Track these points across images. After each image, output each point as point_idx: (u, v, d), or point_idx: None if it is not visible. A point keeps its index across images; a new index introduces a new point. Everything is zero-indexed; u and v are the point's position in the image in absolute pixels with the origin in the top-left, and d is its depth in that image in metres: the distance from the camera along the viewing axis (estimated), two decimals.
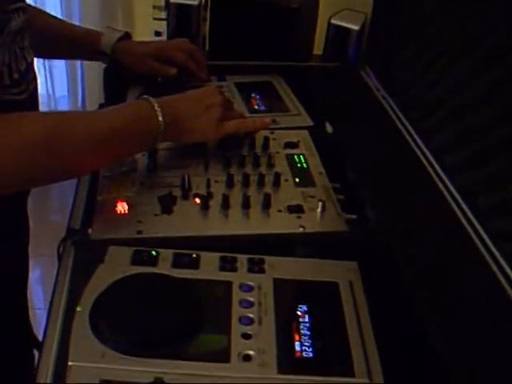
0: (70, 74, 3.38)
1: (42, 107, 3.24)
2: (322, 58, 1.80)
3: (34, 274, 2.86)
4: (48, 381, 0.79)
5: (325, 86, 1.56)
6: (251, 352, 0.81)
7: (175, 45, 1.54)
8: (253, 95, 1.49)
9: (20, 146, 0.90)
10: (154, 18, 1.93)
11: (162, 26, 1.88)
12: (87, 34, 1.51)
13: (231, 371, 0.78)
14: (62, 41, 1.47)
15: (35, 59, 1.19)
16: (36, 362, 0.85)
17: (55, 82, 3.43)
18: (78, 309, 0.84)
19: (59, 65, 3.36)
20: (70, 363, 0.78)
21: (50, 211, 3.53)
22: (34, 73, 1.21)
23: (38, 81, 1.22)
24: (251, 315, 0.86)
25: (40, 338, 0.88)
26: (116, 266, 0.92)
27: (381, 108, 1.42)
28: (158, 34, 1.94)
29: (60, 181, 0.99)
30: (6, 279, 1.24)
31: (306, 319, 0.86)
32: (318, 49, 1.83)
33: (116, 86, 1.53)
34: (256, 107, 1.44)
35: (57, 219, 3.42)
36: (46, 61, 3.33)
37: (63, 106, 3.47)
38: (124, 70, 1.51)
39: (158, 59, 1.50)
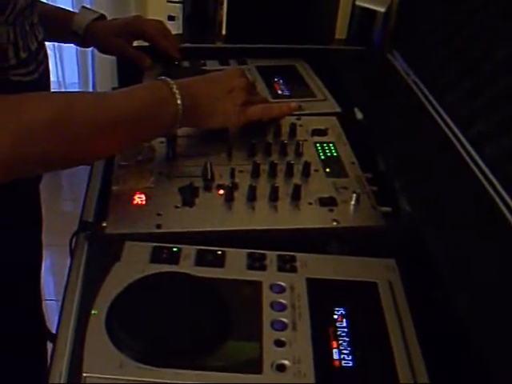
0: (80, 60, 3.32)
1: None
2: (345, 42, 1.72)
3: (45, 264, 2.81)
4: None
5: (351, 71, 1.48)
6: (285, 361, 0.73)
7: (146, 20, 1.48)
8: (276, 80, 1.41)
9: (22, 129, 0.82)
10: (168, 1, 1.84)
11: (177, 10, 1.80)
12: (61, 14, 1.43)
13: (264, 383, 0.70)
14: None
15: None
16: (49, 356, 0.78)
17: (65, 69, 3.37)
18: (93, 312, 0.77)
19: (70, 51, 3.30)
20: (84, 374, 0.70)
21: (62, 200, 3.48)
22: (46, 52, 1.15)
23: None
24: (284, 319, 0.78)
25: (51, 329, 0.81)
26: (134, 264, 0.84)
27: (411, 93, 1.35)
28: (171, 18, 1.85)
29: (69, 167, 0.93)
30: (20, 269, 1.21)
31: (344, 323, 0.78)
32: (340, 33, 1.75)
33: (130, 71, 1.44)
34: (279, 92, 1.36)
35: (68, 209, 3.38)
36: (57, 47, 3.28)
37: None
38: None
39: (128, 35, 1.43)
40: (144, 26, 1.44)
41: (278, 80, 1.41)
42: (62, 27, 1.40)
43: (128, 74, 1.45)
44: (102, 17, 1.44)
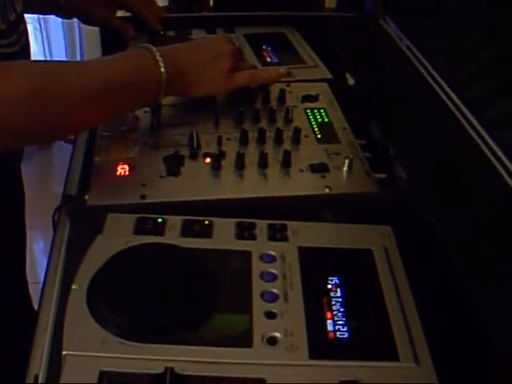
0: (68, 38, 3.25)
1: None
2: (335, 11, 1.67)
3: (38, 246, 2.79)
4: (41, 372, 0.67)
5: (343, 37, 1.43)
6: (277, 334, 0.69)
7: None
8: (264, 47, 1.36)
9: None
10: None
11: None
12: None
13: (254, 357, 0.66)
14: None
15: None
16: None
17: (52, 44, 3.30)
18: (73, 287, 0.73)
19: (56, 28, 3.24)
20: (64, 352, 0.66)
21: (54, 181, 3.43)
22: (25, 25, 1.11)
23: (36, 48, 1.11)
24: (275, 290, 0.74)
25: None
26: (116, 237, 0.80)
27: (405, 58, 1.30)
28: None
29: (49, 140, 0.89)
30: (2, 248, 1.17)
31: (338, 293, 0.74)
32: (330, 2, 1.69)
33: (115, 42, 1.40)
34: (268, 60, 1.31)
35: (60, 190, 3.33)
36: (43, 26, 3.22)
37: None
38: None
39: (111, 5, 1.39)
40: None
41: (267, 48, 1.36)
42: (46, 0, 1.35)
43: (112, 45, 1.40)
44: None
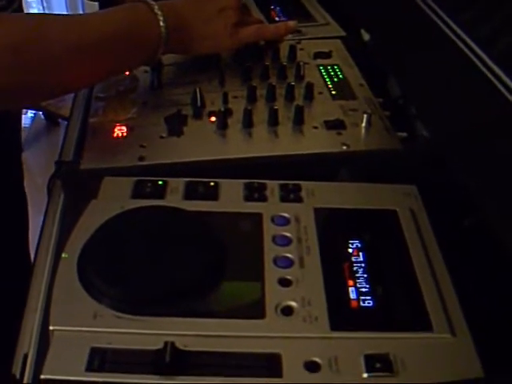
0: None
1: None
2: None
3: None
4: (30, 351, 0.60)
5: None
6: (293, 303, 0.61)
7: None
8: (272, 7, 1.28)
9: None
10: None
11: None
12: None
13: (267, 329, 0.58)
14: None
15: None
16: None
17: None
18: (64, 255, 0.65)
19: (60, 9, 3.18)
20: (51, 327, 0.58)
21: None
22: None
23: None
24: (289, 255, 0.66)
25: None
26: (112, 201, 0.72)
27: (421, 12, 1.21)
28: None
29: (38, 99, 0.81)
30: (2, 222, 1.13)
31: (361, 258, 0.66)
32: None
33: None
34: (277, 19, 1.23)
35: None
36: (46, 6, 3.16)
37: None
38: None
39: None
40: None
41: (275, 7, 1.28)
42: None
43: None
44: None
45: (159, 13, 0.88)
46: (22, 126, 1.54)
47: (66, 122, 2.91)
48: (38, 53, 0.76)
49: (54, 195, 0.80)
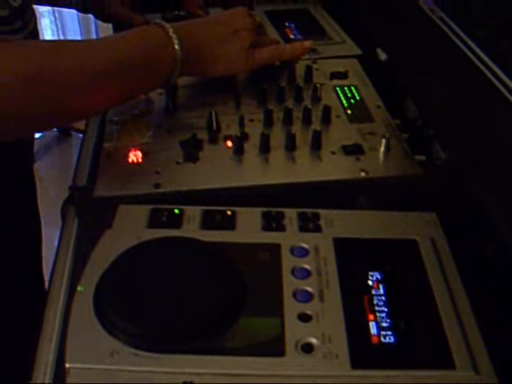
0: (83, 30, 3.18)
1: None
2: None
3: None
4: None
5: (371, 11, 1.34)
6: (313, 340, 0.59)
7: None
8: (287, 24, 1.27)
9: None
10: None
11: None
12: None
13: (287, 368, 0.57)
14: None
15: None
16: None
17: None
18: (79, 289, 0.64)
19: (72, 21, 3.17)
20: (67, 365, 0.57)
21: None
22: (33, 12, 1.05)
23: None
24: (309, 288, 0.64)
25: None
26: (128, 231, 0.71)
27: (439, 30, 1.20)
28: None
29: (53, 125, 0.80)
30: (17, 238, 1.12)
31: (381, 291, 0.65)
32: None
33: None
34: (292, 37, 1.22)
35: None
36: (58, 17, 3.16)
37: None
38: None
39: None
40: None
41: (290, 25, 1.28)
42: None
43: None
44: None
45: (174, 36, 0.87)
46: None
47: (77, 134, 2.91)
48: (52, 82, 0.75)
49: (68, 221, 0.80)
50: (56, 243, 1.02)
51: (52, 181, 2.94)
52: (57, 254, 0.75)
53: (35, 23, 1.05)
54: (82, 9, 1.28)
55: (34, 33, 1.05)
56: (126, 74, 0.83)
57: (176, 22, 1.20)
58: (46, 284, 1.29)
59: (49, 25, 3.29)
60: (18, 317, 1.16)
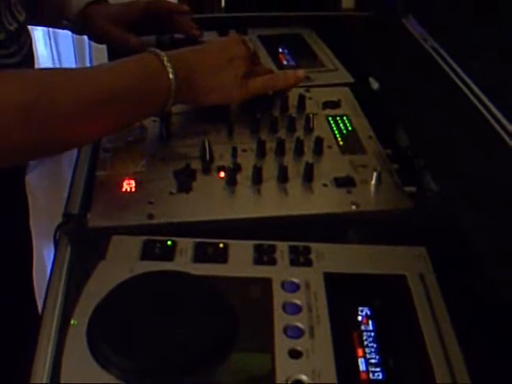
0: (76, 45, 3.18)
1: None
2: (353, 11, 1.58)
3: (49, 254, 2.72)
4: None
5: (363, 38, 1.35)
6: (303, 376, 0.60)
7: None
8: (280, 50, 1.29)
9: None
10: None
11: None
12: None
13: None
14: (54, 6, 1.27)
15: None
16: None
17: (62, 53, 3.23)
18: (72, 322, 0.64)
19: (65, 36, 3.17)
20: None
21: (63, 188, 3.38)
22: (29, 34, 1.05)
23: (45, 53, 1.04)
24: (300, 324, 0.65)
25: None
26: (121, 263, 0.71)
27: (431, 60, 1.21)
28: None
29: (48, 154, 0.80)
30: (8, 254, 1.11)
31: (370, 326, 0.66)
32: (347, 2, 1.61)
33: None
34: (285, 63, 1.24)
35: None
36: (53, 39, 3.16)
37: None
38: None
39: (130, 21, 1.27)
40: (156, 3, 1.30)
41: (283, 50, 1.29)
42: (56, 14, 1.27)
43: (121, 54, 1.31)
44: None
45: (169, 65, 0.87)
46: None
47: None
48: (49, 112, 0.75)
49: (61, 249, 0.80)
50: (45, 254, 1.03)
51: (43, 191, 2.94)
52: (49, 281, 0.75)
53: (30, 45, 1.05)
54: (76, 29, 1.28)
55: (29, 55, 1.05)
56: (122, 103, 0.83)
57: (171, 45, 1.22)
58: (39, 302, 1.30)
59: (42, 36, 3.29)
60: (7, 332, 1.16)
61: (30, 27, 1.07)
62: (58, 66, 3.26)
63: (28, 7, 1.03)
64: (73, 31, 1.30)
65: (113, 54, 1.30)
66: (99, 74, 0.85)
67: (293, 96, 1.04)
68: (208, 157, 0.88)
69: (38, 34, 3.26)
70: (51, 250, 0.80)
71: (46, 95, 0.75)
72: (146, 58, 0.88)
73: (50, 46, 3.23)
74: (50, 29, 3.11)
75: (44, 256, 2.72)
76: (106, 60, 1.31)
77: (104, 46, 1.33)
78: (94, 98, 0.80)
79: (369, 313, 0.67)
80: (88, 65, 3.21)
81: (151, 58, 0.88)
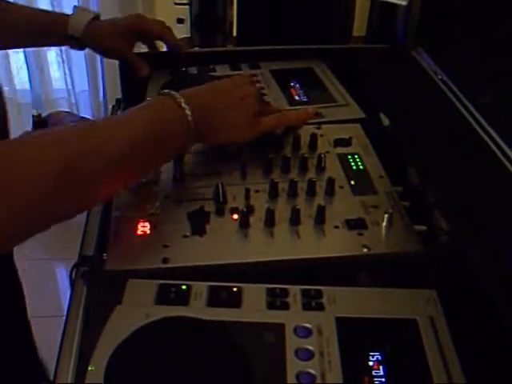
0: (89, 67, 3.20)
1: (62, 102, 3.09)
2: (364, 40, 1.60)
3: (62, 278, 2.72)
4: None
5: (374, 72, 1.36)
6: None
7: (150, 18, 1.38)
8: (292, 84, 1.30)
9: (20, 194, 0.69)
10: (176, 3, 1.73)
11: (186, 13, 1.70)
12: (53, 18, 1.34)
13: None
14: (24, 29, 1.32)
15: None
16: None
17: (75, 77, 3.25)
18: (90, 368, 0.66)
19: (78, 58, 3.19)
20: None
21: None
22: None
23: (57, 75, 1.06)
24: (312, 371, 0.66)
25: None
26: (137, 309, 0.73)
27: (441, 94, 1.22)
28: (180, 21, 1.75)
29: (74, 215, 0.78)
30: None
31: (381, 372, 0.67)
32: (358, 30, 1.63)
33: (135, 76, 1.33)
34: (296, 98, 1.25)
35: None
36: (64, 55, 3.18)
37: (84, 100, 3.32)
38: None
39: (131, 36, 1.34)
40: (149, 23, 1.35)
41: (295, 84, 1.30)
42: (58, 32, 1.31)
43: (132, 79, 1.34)
44: (98, 16, 1.35)
45: (186, 107, 0.87)
46: None
47: None
48: (78, 181, 0.74)
49: (77, 290, 0.81)
50: (57, 276, 1.03)
51: None
52: (65, 325, 0.77)
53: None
54: (78, 44, 1.33)
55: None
56: (141, 154, 0.82)
57: (184, 79, 1.24)
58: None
59: (55, 59, 3.31)
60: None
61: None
62: (70, 88, 3.28)
63: None
64: (73, 47, 1.35)
65: (125, 74, 1.36)
66: (115, 126, 0.83)
67: (304, 134, 1.05)
68: (221, 198, 0.90)
69: (52, 56, 3.29)
70: (64, 274, 0.80)
71: (77, 168, 0.74)
72: (163, 103, 0.88)
73: (63, 69, 3.25)
74: (63, 50, 3.14)
75: (57, 280, 2.72)
76: (118, 81, 1.35)
77: (116, 65, 1.36)
78: (117, 156, 0.78)
79: (380, 358, 0.68)
80: (101, 84, 3.23)
81: (167, 101, 0.88)
